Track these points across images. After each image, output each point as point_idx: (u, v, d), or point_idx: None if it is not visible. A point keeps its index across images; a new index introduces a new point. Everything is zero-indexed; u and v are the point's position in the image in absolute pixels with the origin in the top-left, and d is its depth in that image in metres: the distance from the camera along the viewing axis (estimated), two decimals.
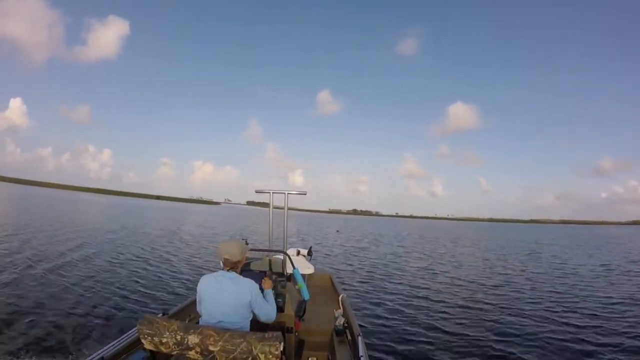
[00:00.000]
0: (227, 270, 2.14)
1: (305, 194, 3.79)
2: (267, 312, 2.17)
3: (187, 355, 1.85)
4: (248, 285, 2.08)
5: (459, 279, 9.83)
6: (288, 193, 3.70)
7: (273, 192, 3.73)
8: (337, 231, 21.99)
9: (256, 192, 3.92)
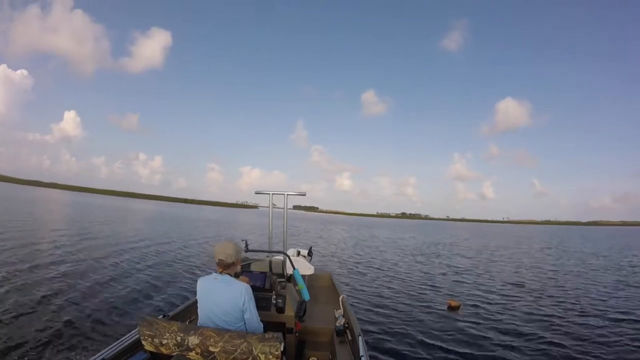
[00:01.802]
0: (221, 272, 2.11)
1: (304, 195, 3.80)
2: (256, 321, 2.12)
3: (187, 356, 1.85)
4: (242, 289, 2.06)
5: (463, 280, 9.82)
6: (287, 194, 3.72)
7: (273, 193, 3.74)
8: None
9: (256, 193, 3.93)
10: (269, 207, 3.77)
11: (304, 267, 4.02)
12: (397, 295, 7.57)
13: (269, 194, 3.75)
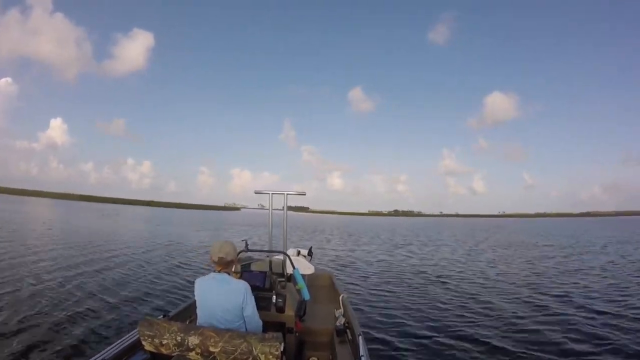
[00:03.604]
0: (219, 271, 2.12)
1: (304, 194, 3.80)
2: (255, 319, 2.13)
3: (187, 357, 1.85)
4: (241, 287, 2.07)
5: (464, 280, 9.82)
6: (287, 194, 3.71)
7: (272, 193, 3.74)
8: None
9: (255, 192, 3.93)
10: (269, 207, 3.77)
11: (304, 267, 4.01)
12: (398, 295, 7.57)
13: (268, 193, 3.75)
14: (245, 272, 2.77)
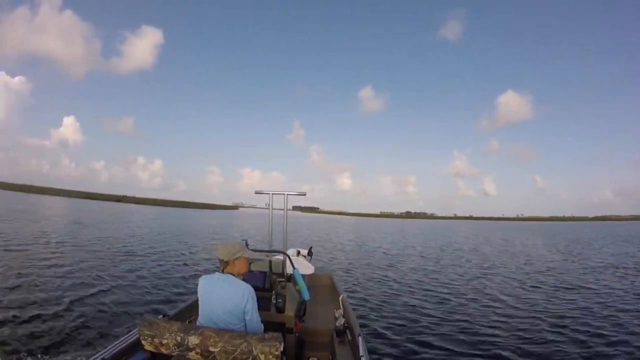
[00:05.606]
0: (222, 271, 2.13)
1: (304, 195, 3.80)
2: (257, 323, 2.12)
3: (187, 356, 1.85)
4: (245, 290, 2.06)
5: (462, 280, 9.81)
6: (287, 194, 3.72)
7: (273, 193, 3.74)
8: None
9: (256, 192, 3.93)
10: (269, 207, 3.78)
11: (304, 267, 4.01)
12: (397, 295, 7.57)
13: (269, 194, 3.75)
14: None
